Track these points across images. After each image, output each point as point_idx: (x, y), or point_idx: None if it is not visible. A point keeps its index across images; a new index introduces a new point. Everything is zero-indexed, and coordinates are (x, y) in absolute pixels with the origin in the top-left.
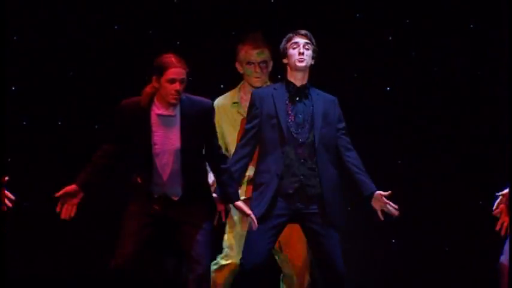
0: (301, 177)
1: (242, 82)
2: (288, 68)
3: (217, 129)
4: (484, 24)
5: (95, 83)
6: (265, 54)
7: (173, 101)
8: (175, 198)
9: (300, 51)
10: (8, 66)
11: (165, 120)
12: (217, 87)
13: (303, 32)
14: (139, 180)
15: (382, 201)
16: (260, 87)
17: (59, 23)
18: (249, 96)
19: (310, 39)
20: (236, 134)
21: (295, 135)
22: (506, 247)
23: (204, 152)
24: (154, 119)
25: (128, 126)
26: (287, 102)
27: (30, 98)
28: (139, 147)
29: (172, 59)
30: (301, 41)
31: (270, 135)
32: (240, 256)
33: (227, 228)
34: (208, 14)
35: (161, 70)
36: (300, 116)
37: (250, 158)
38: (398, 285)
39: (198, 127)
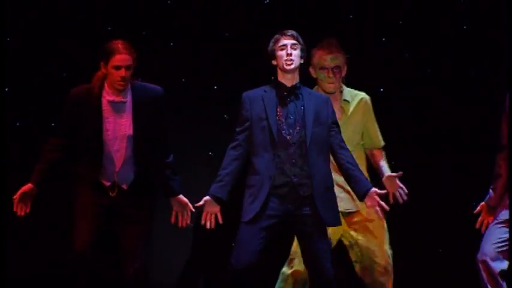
0: (293, 177)
1: (315, 87)
2: (278, 70)
3: None
4: (478, 25)
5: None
6: (339, 60)
7: (119, 87)
8: (125, 187)
9: (288, 52)
10: (1, 68)
11: (116, 106)
12: (211, 89)
13: (289, 32)
14: (86, 169)
15: (376, 199)
16: (333, 92)
17: (52, 24)
18: None
19: (297, 39)
20: None
21: (286, 136)
22: (484, 244)
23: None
24: (105, 105)
25: (79, 114)
26: (278, 103)
27: (24, 99)
28: (91, 134)
29: (119, 45)
30: (289, 42)
31: (261, 138)
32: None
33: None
34: (202, 15)
35: (107, 56)
36: (292, 117)
37: (241, 160)
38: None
39: (150, 114)
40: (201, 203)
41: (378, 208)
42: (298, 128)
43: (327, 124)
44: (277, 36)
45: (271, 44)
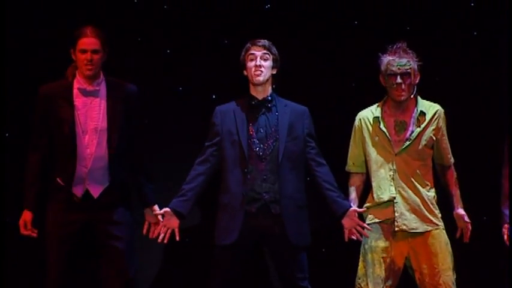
0: (264, 194)
1: (386, 96)
2: (249, 81)
3: (360, 141)
4: (486, 32)
5: None
6: (408, 65)
7: (87, 72)
8: (97, 193)
9: (257, 63)
10: None
11: (87, 94)
12: (208, 97)
13: (260, 42)
14: (60, 180)
15: (355, 220)
16: (402, 101)
17: (46, 30)
18: (393, 111)
19: (269, 49)
20: (375, 151)
21: (257, 151)
22: None
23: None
24: (76, 95)
25: (50, 108)
26: (248, 117)
27: (14, 109)
28: (62, 127)
29: (86, 29)
30: (258, 52)
31: (231, 153)
32: (369, 286)
33: (360, 257)
34: (200, 21)
35: (74, 41)
36: (262, 130)
37: (206, 176)
38: None
39: (124, 109)
40: (160, 212)
41: (358, 228)
42: (270, 142)
43: (302, 137)
44: (247, 45)
45: (242, 53)
